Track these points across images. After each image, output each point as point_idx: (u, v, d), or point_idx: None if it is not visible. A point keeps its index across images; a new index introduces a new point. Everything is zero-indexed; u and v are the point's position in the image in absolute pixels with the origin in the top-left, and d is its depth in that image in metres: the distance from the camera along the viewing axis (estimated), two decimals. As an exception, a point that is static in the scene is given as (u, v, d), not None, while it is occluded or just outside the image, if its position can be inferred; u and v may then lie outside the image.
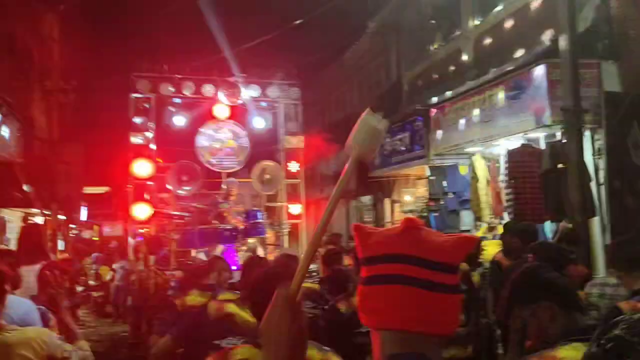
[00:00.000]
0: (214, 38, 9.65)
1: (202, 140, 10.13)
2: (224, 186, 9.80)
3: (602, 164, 6.58)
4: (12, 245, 10.93)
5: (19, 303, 3.36)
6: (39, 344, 2.40)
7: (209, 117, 10.23)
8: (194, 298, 4.06)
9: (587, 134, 6.65)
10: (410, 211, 11.91)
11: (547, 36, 7.08)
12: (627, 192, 6.05)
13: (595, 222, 6.48)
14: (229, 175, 10.17)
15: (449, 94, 9.21)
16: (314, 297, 3.99)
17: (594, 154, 6.76)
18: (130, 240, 9.73)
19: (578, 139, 6.00)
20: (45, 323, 3.29)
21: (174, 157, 9.66)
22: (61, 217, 12.81)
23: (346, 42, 15.37)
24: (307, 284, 4.29)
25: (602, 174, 6.56)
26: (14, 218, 11.50)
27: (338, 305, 3.43)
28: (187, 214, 8.89)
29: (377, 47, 14.32)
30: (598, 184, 6.63)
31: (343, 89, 16.33)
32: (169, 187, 9.50)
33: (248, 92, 9.88)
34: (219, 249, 8.56)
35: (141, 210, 8.40)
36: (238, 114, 10.35)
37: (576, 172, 5.89)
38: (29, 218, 10.80)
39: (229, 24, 11.31)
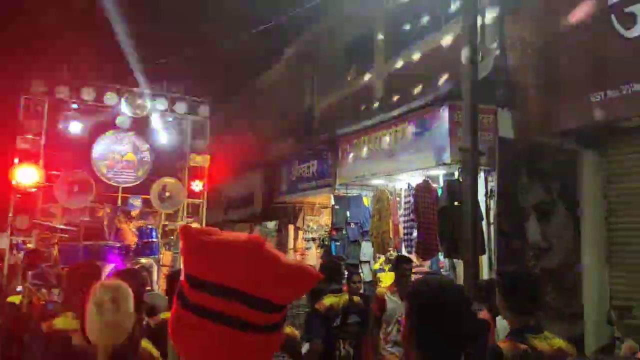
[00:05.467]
0: (121, 45, 9.17)
1: (99, 150, 9.51)
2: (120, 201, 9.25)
3: (493, 204, 6.93)
4: None
5: None
6: None
7: (109, 126, 9.65)
8: (64, 320, 3.15)
9: (481, 175, 7.00)
10: (313, 239, 11.95)
11: (452, 79, 7.44)
12: (513, 233, 6.39)
13: (484, 260, 6.79)
14: (126, 190, 9.61)
15: (357, 126, 9.40)
16: None
17: (486, 195, 7.12)
18: (8, 254, 8.82)
19: (473, 179, 6.27)
20: None
21: (66, 166, 8.95)
22: None
23: (261, 66, 15.35)
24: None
25: (492, 214, 6.91)
26: None
27: None
28: (73, 228, 8.21)
29: (292, 74, 14.41)
30: (488, 224, 6.97)
31: (254, 112, 16.21)
32: (56, 197, 8.77)
33: (155, 105, 9.45)
34: (108, 268, 7.99)
35: (21, 221, 7.64)
36: (142, 126, 9.86)
37: (469, 211, 6.15)
38: None
39: (141, 33, 10.88)
